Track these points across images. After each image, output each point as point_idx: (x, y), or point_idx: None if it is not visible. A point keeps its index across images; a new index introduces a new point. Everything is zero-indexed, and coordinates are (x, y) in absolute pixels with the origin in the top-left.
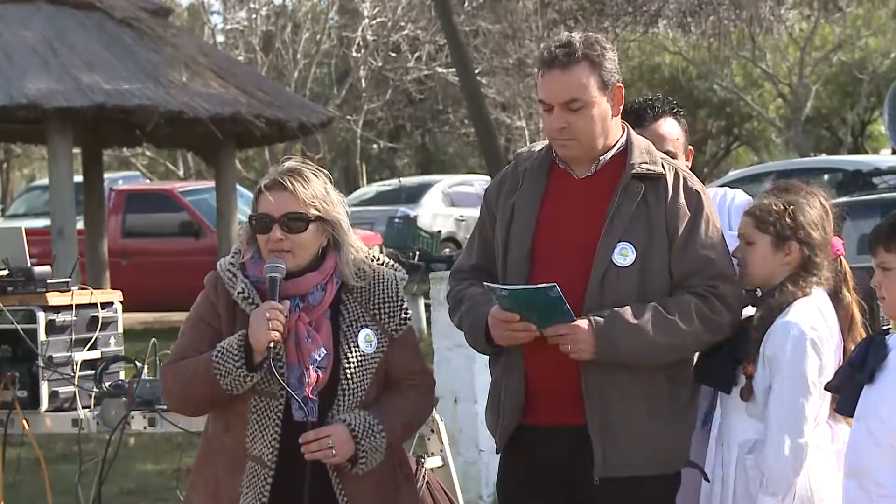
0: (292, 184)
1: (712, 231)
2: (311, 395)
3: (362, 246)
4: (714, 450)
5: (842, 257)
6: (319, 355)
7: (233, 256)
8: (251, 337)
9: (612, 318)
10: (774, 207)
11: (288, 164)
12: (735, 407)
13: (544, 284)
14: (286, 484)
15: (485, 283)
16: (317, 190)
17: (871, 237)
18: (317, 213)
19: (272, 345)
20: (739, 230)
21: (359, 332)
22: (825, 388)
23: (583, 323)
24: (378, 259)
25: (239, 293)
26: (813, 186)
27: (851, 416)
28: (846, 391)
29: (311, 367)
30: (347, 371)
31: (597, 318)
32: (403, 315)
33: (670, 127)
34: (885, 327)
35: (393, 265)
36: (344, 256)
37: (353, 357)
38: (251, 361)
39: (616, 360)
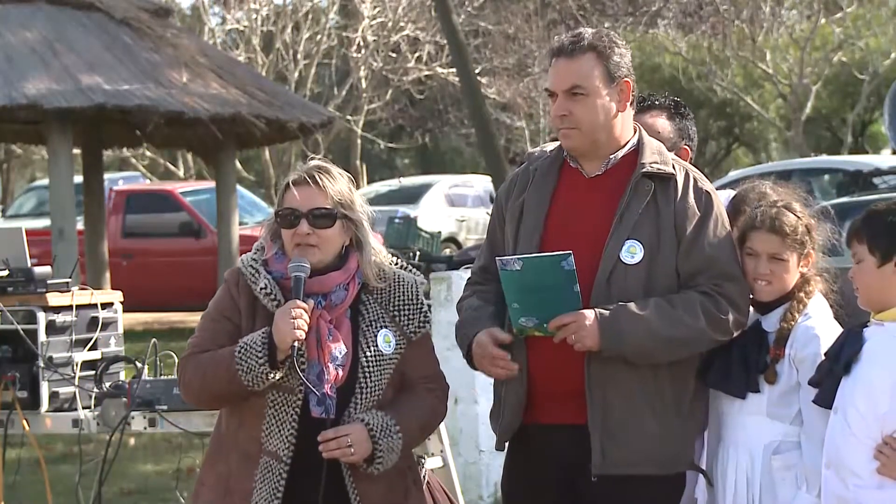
0: (320, 180)
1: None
2: (330, 393)
3: (382, 249)
4: (720, 455)
5: None
6: (340, 353)
7: (255, 253)
8: (276, 335)
9: (617, 309)
10: (799, 227)
11: (314, 162)
12: (752, 412)
13: (559, 252)
14: (300, 480)
15: (496, 258)
16: (342, 188)
17: (847, 231)
18: (342, 210)
19: (296, 343)
20: (765, 248)
21: (378, 332)
22: (808, 383)
23: (588, 312)
24: (398, 263)
25: (261, 289)
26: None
27: (830, 408)
28: (826, 384)
29: (331, 364)
30: (366, 370)
31: (601, 309)
32: (423, 318)
33: (653, 120)
34: (865, 321)
35: (412, 270)
36: (366, 257)
37: (371, 356)
38: (274, 358)
39: (620, 350)
